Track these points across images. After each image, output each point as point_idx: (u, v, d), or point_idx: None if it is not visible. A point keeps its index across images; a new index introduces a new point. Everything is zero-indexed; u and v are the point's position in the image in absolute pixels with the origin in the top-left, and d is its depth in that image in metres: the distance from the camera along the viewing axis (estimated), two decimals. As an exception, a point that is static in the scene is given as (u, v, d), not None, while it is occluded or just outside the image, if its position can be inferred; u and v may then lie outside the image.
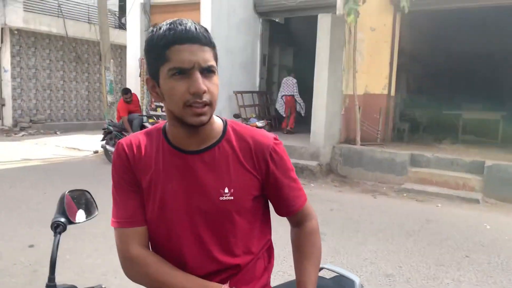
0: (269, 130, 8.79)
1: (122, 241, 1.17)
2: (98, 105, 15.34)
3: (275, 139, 1.23)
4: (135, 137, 1.23)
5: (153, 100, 9.81)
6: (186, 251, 1.18)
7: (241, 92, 9.53)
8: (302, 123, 9.75)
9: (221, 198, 1.16)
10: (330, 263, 1.53)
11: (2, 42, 12.71)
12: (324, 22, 7.45)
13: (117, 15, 15.24)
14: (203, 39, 1.06)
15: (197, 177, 1.17)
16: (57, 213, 1.24)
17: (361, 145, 7.81)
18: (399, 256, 3.98)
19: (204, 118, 1.08)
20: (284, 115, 10.02)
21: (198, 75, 1.05)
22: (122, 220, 1.18)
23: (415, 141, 8.94)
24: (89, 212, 1.34)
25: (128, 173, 1.19)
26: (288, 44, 12.16)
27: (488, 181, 6.43)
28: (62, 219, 1.22)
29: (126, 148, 1.20)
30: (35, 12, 12.97)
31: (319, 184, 7.17)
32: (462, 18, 9.22)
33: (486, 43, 10.79)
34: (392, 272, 3.61)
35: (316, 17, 7.70)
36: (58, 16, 13.45)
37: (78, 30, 14.12)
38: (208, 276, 1.17)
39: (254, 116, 9.15)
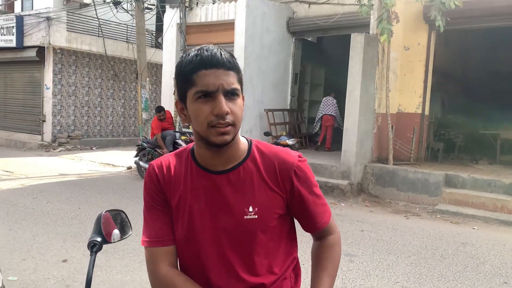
0: (298, 148, 8.84)
1: (151, 260, 1.21)
2: (133, 122, 15.77)
3: (299, 156, 1.25)
4: (166, 159, 1.28)
5: (184, 117, 9.99)
6: (211, 271, 1.21)
7: (272, 110, 9.59)
8: (335, 142, 9.74)
9: (245, 217, 1.19)
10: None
11: (45, 60, 13.35)
12: (357, 42, 7.45)
13: (154, 35, 15.74)
14: (227, 64, 1.11)
15: (223, 197, 1.20)
16: (94, 232, 1.29)
17: (393, 164, 7.67)
18: (432, 281, 3.86)
19: (227, 138, 1.12)
20: (315, 131, 10.25)
21: (221, 98, 1.10)
22: (152, 239, 1.22)
23: (450, 161, 8.70)
24: (123, 232, 1.38)
25: (159, 194, 1.23)
26: (320, 62, 12.18)
27: (528, 204, 6.16)
28: (99, 239, 1.27)
29: (157, 170, 1.25)
30: (77, 32, 13.59)
31: (349, 204, 7.07)
32: (498, 37, 9.01)
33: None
34: (425, 297, 3.50)
35: (349, 36, 7.70)
36: (98, 36, 14.03)
37: (117, 49, 14.66)
38: None
39: (284, 134, 9.16)
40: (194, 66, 1.11)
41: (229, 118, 1.11)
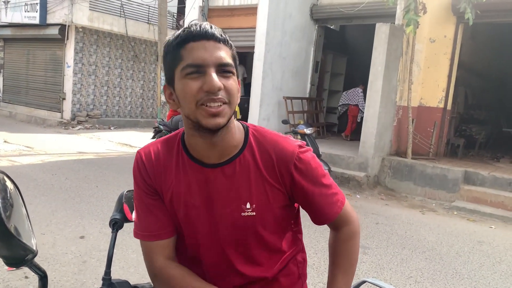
0: (316, 138, 8.77)
1: (146, 253, 1.15)
2: (151, 104, 15.86)
3: (300, 146, 1.13)
4: (155, 146, 1.17)
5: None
6: (210, 265, 1.16)
7: (291, 98, 9.52)
8: (355, 133, 9.77)
9: (243, 214, 1.11)
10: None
11: (67, 38, 13.47)
12: (381, 32, 7.30)
13: (175, 17, 15.70)
14: (218, 36, 1.00)
15: (218, 192, 1.11)
16: (115, 211, 1.29)
17: (412, 158, 7.57)
18: (446, 277, 3.82)
19: (220, 121, 0.99)
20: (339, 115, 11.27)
21: (212, 72, 0.98)
22: (145, 233, 1.15)
23: (470, 158, 8.55)
24: None
25: (149, 185, 1.15)
26: (342, 51, 12.02)
27: (549, 205, 6.03)
28: (119, 217, 1.28)
29: (144, 158, 1.16)
30: (99, 11, 13.64)
31: (365, 196, 7.02)
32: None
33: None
34: (439, 294, 3.47)
35: (373, 26, 7.56)
36: (120, 16, 14.06)
37: (138, 30, 14.68)
38: None
39: (302, 122, 9.10)
40: (180, 40, 0.99)
41: (222, 95, 0.98)
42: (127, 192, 1.34)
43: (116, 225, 1.26)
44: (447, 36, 7.75)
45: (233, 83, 1.01)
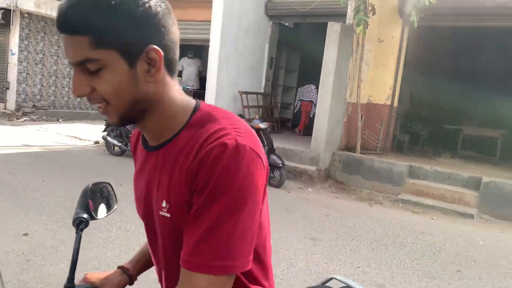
0: (271, 132, 8.90)
1: None
2: (101, 95, 15.39)
3: (233, 141, 0.81)
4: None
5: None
6: (154, 253, 1.06)
7: (246, 93, 9.58)
8: (308, 128, 10.01)
9: (160, 213, 0.91)
10: (342, 275, 1.48)
11: (12, 24, 12.75)
12: (333, 31, 7.51)
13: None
14: (70, 24, 0.78)
15: (147, 182, 0.97)
16: (79, 208, 1.14)
17: (360, 153, 7.87)
18: (391, 267, 4.04)
19: (111, 119, 0.87)
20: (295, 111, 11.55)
21: (75, 74, 0.83)
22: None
23: (415, 153, 9.01)
24: (109, 206, 1.24)
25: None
26: (295, 48, 12.21)
27: (484, 197, 6.50)
28: (85, 215, 1.13)
29: (133, 138, 1.13)
30: (46, -2, 13.03)
31: (316, 190, 7.23)
32: (469, 36, 9.30)
33: (490, 62, 10.84)
34: (383, 283, 3.67)
35: (325, 24, 7.76)
36: (68, 4, 13.49)
37: (87, 19, 14.17)
38: None
39: (257, 117, 9.20)
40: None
41: (94, 97, 0.84)
42: (92, 186, 1.19)
43: (81, 224, 1.11)
44: (394, 37, 8.12)
45: (105, 80, 0.81)
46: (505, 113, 11.10)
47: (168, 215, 0.89)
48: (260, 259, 0.97)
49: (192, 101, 0.94)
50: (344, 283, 1.32)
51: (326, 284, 1.21)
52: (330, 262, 4.00)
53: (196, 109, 0.92)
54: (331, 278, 1.34)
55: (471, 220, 6.18)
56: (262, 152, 0.87)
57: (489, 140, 9.10)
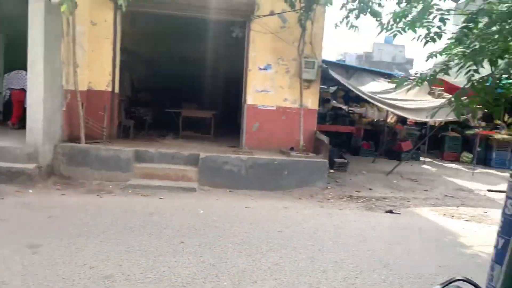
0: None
1: None
2: None
3: None
4: None
5: None
6: None
7: None
8: (24, 120, 8.74)
9: None
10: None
11: None
12: (36, 8, 6.70)
13: None
14: None
15: None
16: None
17: (86, 143, 7.48)
18: (120, 255, 4.00)
19: None
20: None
21: None
22: None
23: (141, 138, 9.23)
24: None
25: None
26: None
27: (202, 171, 7.26)
28: None
29: None
30: None
31: (38, 190, 6.46)
32: (178, 24, 9.98)
33: (198, 49, 11.82)
34: (111, 273, 3.59)
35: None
36: None
37: None
38: None
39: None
40: None
41: None
42: None
43: None
44: (107, 20, 7.95)
45: None
46: (215, 96, 12.69)
47: None
48: None
49: None
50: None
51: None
52: (53, 268, 3.62)
53: None
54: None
55: (193, 193, 6.80)
56: None
57: (205, 121, 10.20)
